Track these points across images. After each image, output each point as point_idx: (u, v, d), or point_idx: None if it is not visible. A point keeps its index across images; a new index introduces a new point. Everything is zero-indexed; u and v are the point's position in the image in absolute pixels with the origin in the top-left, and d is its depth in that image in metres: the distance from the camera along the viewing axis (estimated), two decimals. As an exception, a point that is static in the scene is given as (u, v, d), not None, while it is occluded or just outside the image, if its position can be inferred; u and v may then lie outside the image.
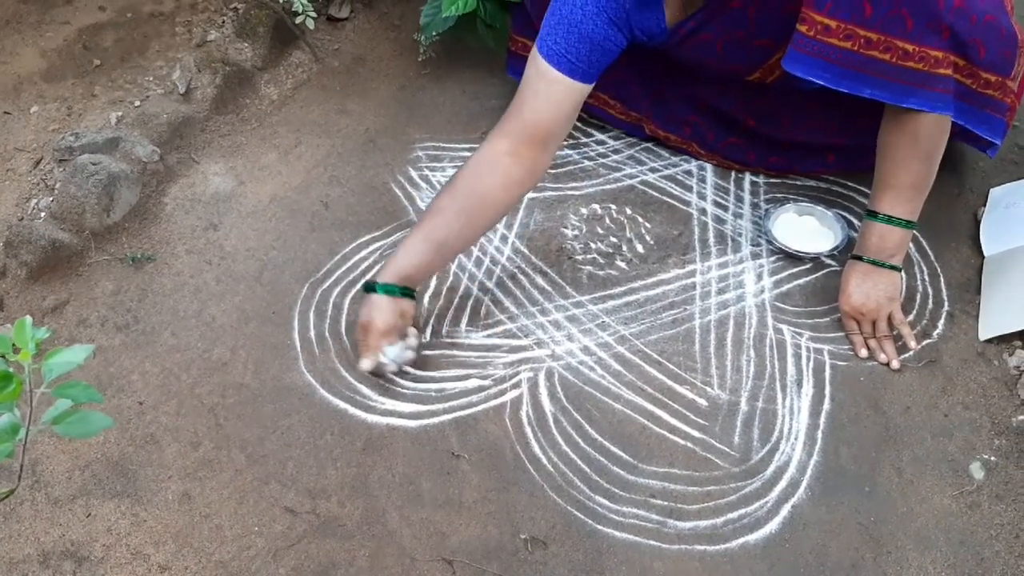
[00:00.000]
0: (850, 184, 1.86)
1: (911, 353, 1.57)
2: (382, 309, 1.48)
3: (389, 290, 1.48)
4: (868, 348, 1.58)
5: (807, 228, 1.77)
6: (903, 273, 1.62)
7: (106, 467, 1.44)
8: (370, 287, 1.49)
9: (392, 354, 1.50)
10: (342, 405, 1.52)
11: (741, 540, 1.36)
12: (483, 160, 1.52)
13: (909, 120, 1.48)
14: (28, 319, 0.68)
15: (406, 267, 1.49)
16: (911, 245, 1.75)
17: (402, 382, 1.55)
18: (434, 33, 1.94)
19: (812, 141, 1.83)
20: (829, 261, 1.72)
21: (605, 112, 1.97)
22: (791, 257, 1.73)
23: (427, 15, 1.94)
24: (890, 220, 1.56)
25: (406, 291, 1.50)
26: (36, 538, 1.36)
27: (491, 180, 1.51)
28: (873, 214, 1.58)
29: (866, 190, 1.84)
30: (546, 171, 1.59)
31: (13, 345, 0.66)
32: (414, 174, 1.90)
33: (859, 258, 1.60)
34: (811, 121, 1.79)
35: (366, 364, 1.50)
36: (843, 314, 1.61)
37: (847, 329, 1.61)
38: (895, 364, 1.56)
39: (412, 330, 1.55)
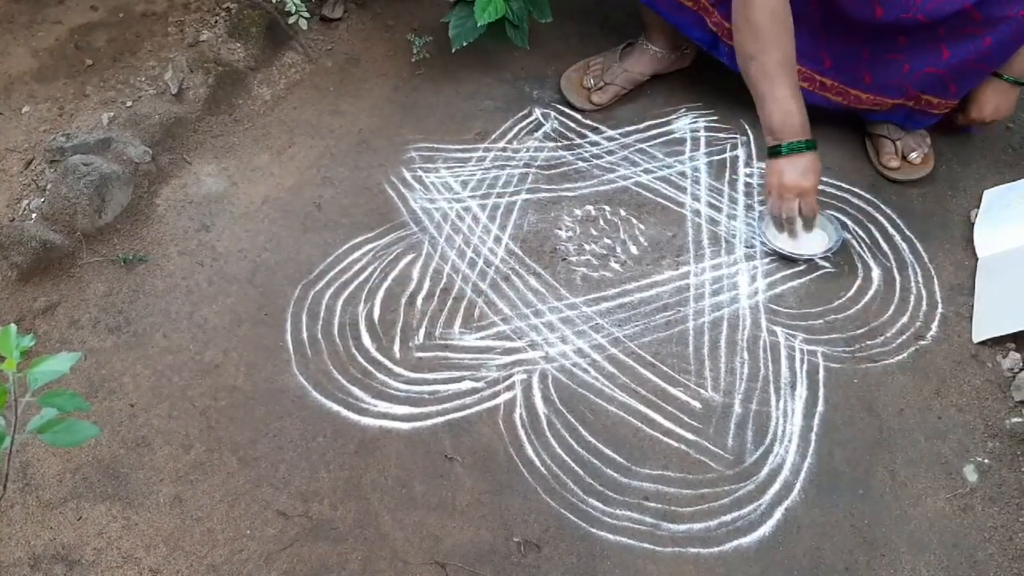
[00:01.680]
0: (843, 186, 1.86)
1: (903, 357, 1.58)
2: (816, 165, 1.65)
3: (810, 145, 1.64)
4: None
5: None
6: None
7: (97, 470, 1.43)
8: (797, 147, 1.63)
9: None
10: (335, 407, 1.51)
11: (735, 543, 1.36)
12: (745, 6, 1.61)
13: None
14: (12, 327, 0.67)
15: (800, 117, 1.63)
16: (904, 247, 1.75)
17: (395, 384, 1.54)
18: (464, 43, 1.94)
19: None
20: (823, 263, 1.72)
21: (672, 2, 1.87)
22: (785, 259, 1.73)
23: (455, 26, 1.93)
24: None
25: (811, 143, 1.66)
26: (27, 541, 1.36)
27: (767, 9, 1.60)
28: None
29: (860, 191, 1.85)
30: None
31: (-2, 353, 0.66)
32: (407, 175, 1.89)
33: (999, 76, 1.74)
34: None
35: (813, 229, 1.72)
36: (969, 120, 1.80)
37: (970, 117, 1.80)
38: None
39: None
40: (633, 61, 2.03)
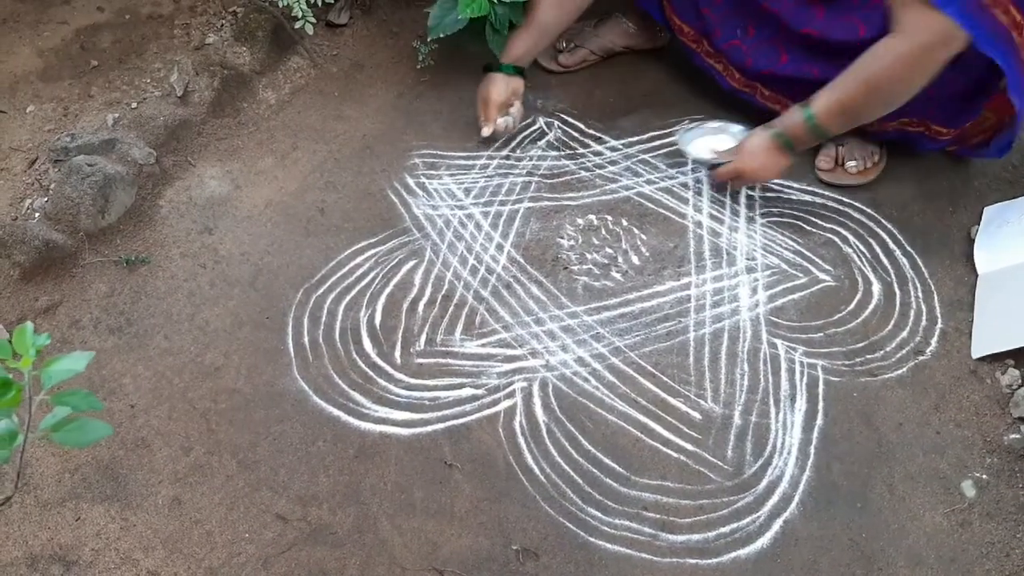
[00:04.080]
0: (845, 200, 1.87)
1: (902, 371, 1.58)
2: (498, 84, 1.89)
3: (504, 69, 1.88)
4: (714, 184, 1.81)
5: (721, 145, 1.85)
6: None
7: (96, 471, 1.43)
8: (489, 68, 1.90)
9: (501, 123, 1.91)
10: (335, 412, 1.52)
11: (733, 554, 1.36)
12: None
13: (896, 45, 1.52)
14: (29, 325, 0.68)
15: (516, 50, 1.88)
16: (905, 262, 1.76)
17: (396, 390, 1.54)
18: (440, 35, 1.92)
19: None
20: (823, 276, 1.73)
21: None
22: (785, 271, 1.73)
23: (436, 17, 1.92)
24: (811, 120, 1.65)
25: (517, 70, 1.90)
26: (24, 541, 1.35)
27: None
28: (805, 106, 1.66)
29: (861, 206, 1.86)
30: None
31: (13, 351, 0.66)
32: (410, 181, 1.90)
33: (770, 130, 1.72)
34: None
35: (486, 131, 1.91)
36: (732, 164, 1.76)
37: (719, 172, 1.80)
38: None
39: (517, 103, 1.94)
40: (606, 30, 2.13)
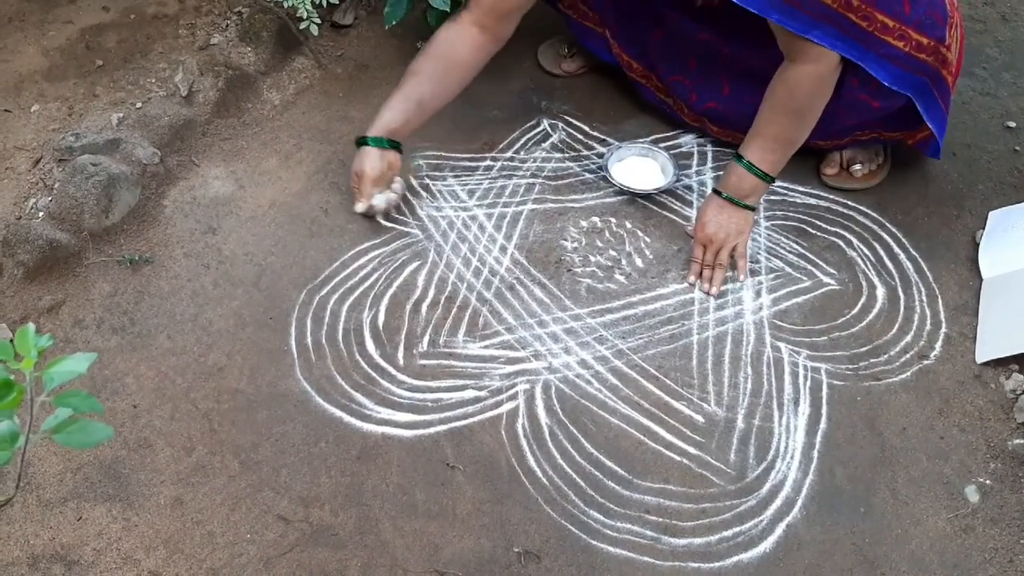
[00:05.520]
0: (850, 204, 1.87)
1: (906, 376, 1.58)
2: (372, 158, 1.71)
3: (378, 142, 1.71)
4: (700, 274, 1.71)
5: (645, 169, 1.90)
6: (756, 214, 1.77)
7: (98, 470, 1.43)
8: (361, 141, 1.72)
9: (380, 200, 1.75)
10: (337, 413, 1.51)
11: (735, 558, 1.36)
12: (453, 29, 1.72)
13: (791, 73, 1.55)
14: (31, 326, 0.68)
15: (390, 122, 1.72)
16: (909, 266, 1.76)
17: (398, 391, 1.54)
18: (394, 21, 1.93)
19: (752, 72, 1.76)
20: (827, 280, 1.72)
21: (581, 25, 2.03)
22: (789, 275, 1.73)
23: (391, 3, 1.94)
24: (750, 167, 1.65)
25: (393, 143, 1.73)
26: (26, 540, 1.35)
27: (461, 46, 1.72)
28: (739, 157, 1.67)
29: (866, 210, 1.86)
30: (508, 39, 1.76)
31: (15, 352, 0.65)
32: (414, 182, 1.89)
33: (718, 193, 1.70)
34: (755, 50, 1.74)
35: (360, 207, 1.74)
36: (695, 241, 1.72)
37: (694, 255, 1.73)
38: (714, 291, 1.69)
39: (398, 179, 1.78)
40: None
